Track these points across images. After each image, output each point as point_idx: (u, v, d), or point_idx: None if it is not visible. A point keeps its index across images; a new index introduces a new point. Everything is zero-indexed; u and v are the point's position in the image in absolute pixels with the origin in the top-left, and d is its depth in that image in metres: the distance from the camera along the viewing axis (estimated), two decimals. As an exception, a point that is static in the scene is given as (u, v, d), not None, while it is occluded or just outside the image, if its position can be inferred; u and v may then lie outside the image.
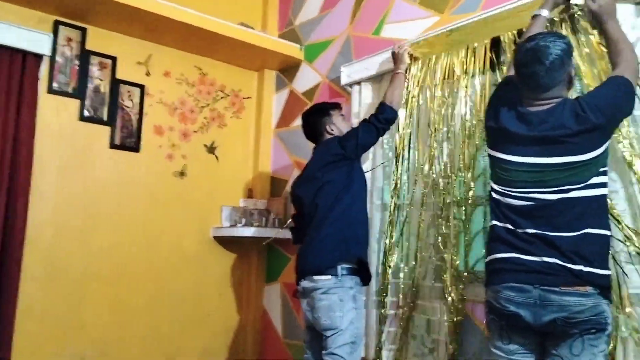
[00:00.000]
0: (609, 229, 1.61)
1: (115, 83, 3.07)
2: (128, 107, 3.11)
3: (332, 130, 2.40)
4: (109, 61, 3.06)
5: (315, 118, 2.45)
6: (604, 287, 1.54)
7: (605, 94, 1.62)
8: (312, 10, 3.42)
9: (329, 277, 2.14)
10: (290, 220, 2.58)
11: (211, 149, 3.42)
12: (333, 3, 3.27)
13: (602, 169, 1.59)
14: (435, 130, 2.41)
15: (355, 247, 2.23)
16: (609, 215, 1.67)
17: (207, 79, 3.44)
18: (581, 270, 1.51)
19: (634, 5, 1.89)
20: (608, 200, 1.65)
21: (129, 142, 3.09)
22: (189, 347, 3.18)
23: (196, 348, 3.21)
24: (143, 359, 3.00)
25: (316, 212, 2.25)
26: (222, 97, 3.50)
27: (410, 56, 2.50)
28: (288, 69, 3.53)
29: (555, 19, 2.01)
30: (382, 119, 2.32)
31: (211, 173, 3.39)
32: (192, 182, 3.31)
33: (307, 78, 3.40)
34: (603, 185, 1.59)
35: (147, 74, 3.20)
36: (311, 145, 2.49)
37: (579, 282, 1.51)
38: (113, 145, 3.03)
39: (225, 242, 3.37)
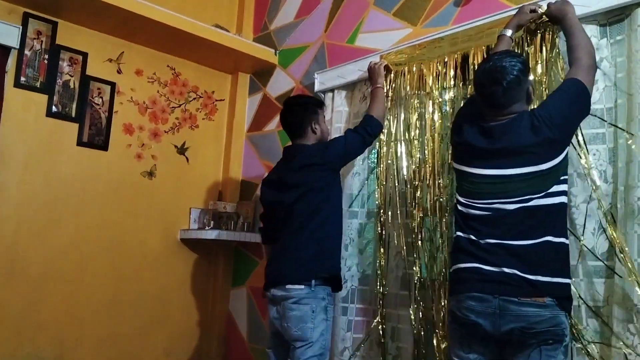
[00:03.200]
0: (567, 237, 1.66)
1: (85, 79, 3.02)
2: (97, 104, 3.06)
3: (316, 129, 2.32)
4: (79, 57, 3.01)
5: (303, 111, 2.33)
6: (563, 297, 1.58)
7: (559, 106, 1.66)
8: (288, 16, 3.44)
9: (302, 287, 2.11)
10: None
11: (182, 150, 3.39)
12: (309, 10, 3.30)
13: (562, 177, 1.65)
14: (405, 141, 2.44)
15: (331, 261, 2.22)
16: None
17: (179, 80, 3.42)
18: (539, 281, 1.55)
19: (598, 27, 1.97)
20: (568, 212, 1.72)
21: (98, 140, 3.05)
22: (149, 349, 3.14)
23: (157, 350, 3.17)
24: (102, 359, 2.95)
25: (293, 219, 2.20)
26: (194, 99, 3.48)
27: (386, 70, 2.52)
28: (262, 73, 3.53)
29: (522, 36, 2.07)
30: (369, 131, 2.29)
31: (181, 174, 3.36)
32: (161, 182, 3.27)
33: (281, 83, 3.41)
34: (563, 193, 1.64)
35: (119, 71, 3.16)
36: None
37: (538, 293, 1.55)
38: (80, 143, 2.98)
39: (193, 244, 3.34)
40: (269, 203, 2.35)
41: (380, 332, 2.39)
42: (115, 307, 3.02)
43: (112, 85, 3.12)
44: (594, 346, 1.80)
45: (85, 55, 3.03)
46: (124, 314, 3.05)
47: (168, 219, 3.27)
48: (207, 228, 3.24)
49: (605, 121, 1.89)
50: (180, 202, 3.33)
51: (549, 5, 1.94)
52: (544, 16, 1.98)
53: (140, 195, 3.18)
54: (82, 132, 2.99)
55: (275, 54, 3.45)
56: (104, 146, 3.06)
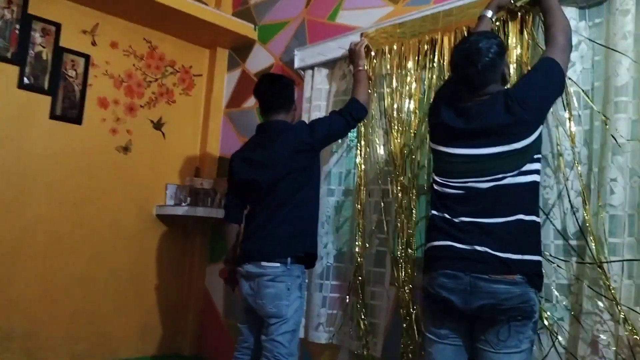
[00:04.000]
0: (539, 215, 1.69)
1: (59, 51, 2.94)
2: (71, 77, 2.99)
3: (294, 109, 2.37)
4: (52, 27, 2.92)
5: (285, 88, 2.33)
6: (533, 274, 1.61)
7: (533, 85, 1.68)
8: (268, -9, 3.38)
9: (278, 264, 2.12)
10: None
11: (158, 125, 3.34)
12: (289, -15, 3.25)
13: (535, 156, 1.67)
14: (384, 120, 2.44)
15: (308, 240, 2.23)
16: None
17: (156, 53, 3.35)
18: (510, 258, 1.58)
19: (578, 9, 1.98)
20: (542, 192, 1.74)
21: (71, 113, 2.98)
22: (124, 325, 3.13)
23: (132, 327, 3.16)
24: (75, 336, 2.94)
25: (272, 197, 2.19)
26: (171, 73, 3.42)
27: (367, 49, 2.51)
28: (241, 49, 3.48)
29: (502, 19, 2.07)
30: (354, 114, 2.29)
31: (157, 150, 3.32)
32: (137, 158, 3.22)
33: (260, 59, 3.36)
34: (536, 172, 1.67)
35: (93, 43, 3.08)
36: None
37: (508, 271, 1.57)
38: (53, 116, 2.91)
39: (169, 220, 3.32)
40: (244, 180, 2.30)
41: (355, 308, 2.41)
42: (89, 284, 2.99)
43: (87, 57, 3.04)
44: (563, 323, 1.85)
45: (58, 26, 2.94)
46: (97, 291, 3.02)
47: (143, 195, 3.23)
48: (183, 204, 3.22)
49: (588, 97, 1.91)
50: (156, 178, 3.29)
51: None
52: None
53: (114, 170, 3.13)
54: (55, 105, 2.92)
55: (255, 30, 3.39)
56: (77, 120, 3.00)
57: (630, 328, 1.68)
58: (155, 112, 3.33)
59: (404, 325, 2.22)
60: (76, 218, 2.97)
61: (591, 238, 1.79)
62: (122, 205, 3.15)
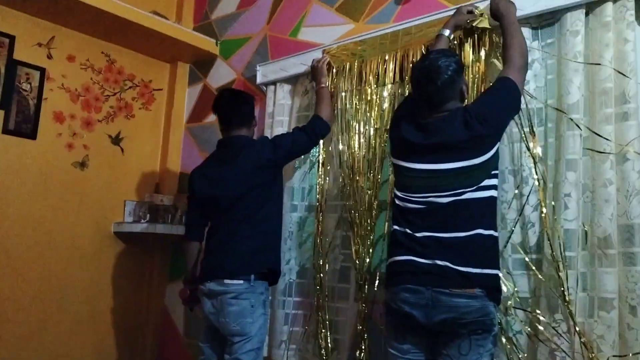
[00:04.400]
0: (497, 230, 1.73)
1: (13, 64, 2.84)
2: (26, 90, 2.89)
3: (255, 124, 2.37)
4: (6, 40, 2.83)
5: (247, 104, 2.33)
6: (492, 288, 1.64)
7: (491, 103, 1.73)
8: (230, 6, 3.37)
9: (241, 281, 2.09)
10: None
11: (116, 140, 3.26)
12: (251, 1, 3.25)
13: (493, 172, 1.71)
14: (345, 136, 2.46)
15: (272, 256, 2.21)
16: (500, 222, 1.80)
17: (114, 67, 3.29)
18: (470, 272, 1.61)
19: (531, 29, 2.05)
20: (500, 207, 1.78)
21: (25, 128, 2.88)
22: (79, 347, 3.00)
23: (87, 348, 3.04)
24: (27, 358, 2.80)
25: (234, 213, 2.17)
26: (130, 87, 3.36)
27: (328, 66, 2.53)
28: (202, 63, 3.45)
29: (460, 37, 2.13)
30: (317, 131, 2.30)
31: (115, 165, 3.24)
32: (94, 174, 3.14)
33: (221, 74, 3.34)
34: (493, 187, 1.71)
35: (49, 56, 3.00)
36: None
37: (468, 284, 1.60)
38: (6, 131, 2.81)
39: (127, 238, 3.23)
40: (205, 197, 2.27)
41: (319, 324, 2.40)
42: (41, 305, 2.87)
43: (42, 70, 2.96)
44: (521, 336, 1.88)
45: (12, 38, 2.85)
46: (50, 312, 2.90)
47: (101, 212, 3.14)
48: (142, 221, 3.14)
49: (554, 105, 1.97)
50: (114, 195, 3.20)
51: (492, 1, 1.99)
52: (480, 17, 2.03)
53: (70, 186, 3.03)
54: (8, 119, 2.81)
55: (216, 45, 3.38)
56: (32, 135, 2.90)
57: (584, 340, 1.72)
58: (114, 127, 3.25)
59: (367, 341, 2.22)
60: (30, 236, 2.85)
61: (548, 252, 1.83)
62: (78, 223, 3.05)
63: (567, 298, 1.76)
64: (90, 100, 3.17)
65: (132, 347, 3.24)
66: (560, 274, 1.78)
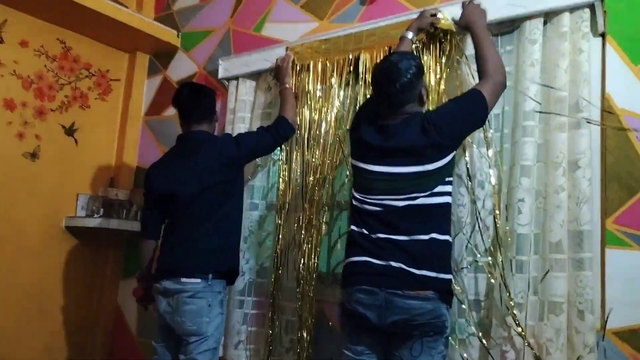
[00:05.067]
0: (451, 235, 1.75)
1: (-41, 48, 2.72)
2: (-27, 76, 2.77)
3: (216, 120, 2.33)
4: (-48, 22, 2.70)
5: (208, 99, 2.28)
6: (445, 291, 1.66)
7: (451, 113, 1.73)
8: (193, -3, 3.31)
9: (198, 280, 2.05)
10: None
11: (70, 131, 3.15)
12: (215, -7, 3.20)
13: (447, 179, 1.72)
14: (306, 136, 2.44)
15: (231, 256, 2.18)
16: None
17: (70, 55, 3.17)
18: (424, 275, 1.62)
19: (491, 36, 2.07)
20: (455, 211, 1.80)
21: (-29, 115, 2.75)
22: (26, 347, 2.89)
23: (35, 347, 2.93)
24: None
25: (193, 211, 2.12)
26: (86, 76, 3.25)
27: (293, 65, 2.50)
28: (163, 55, 3.37)
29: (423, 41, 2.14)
30: (281, 132, 2.27)
31: (68, 157, 3.12)
32: (45, 165, 3.02)
33: (182, 66, 3.27)
34: (448, 194, 1.72)
35: (0, 41, 2.87)
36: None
37: (421, 287, 1.61)
38: (-50, 118, 2.68)
39: (80, 233, 3.12)
40: (163, 193, 2.21)
41: (275, 324, 2.38)
42: (-13, 301, 2.76)
43: (-8, 55, 2.83)
44: (473, 338, 1.91)
45: (-41, 20, 2.72)
46: (-3, 308, 2.79)
47: (52, 206, 3.03)
48: (95, 216, 3.05)
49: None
50: (67, 188, 3.09)
51: (463, 4, 1.99)
52: (442, 21, 2.05)
53: (20, 178, 2.91)
54: (-48, 105, 2.69)
55: (178, 36, 3.30)
56: (-22, 123, 2.78)
57: (534, 343, 1.76)
58: (68, 117, 3.14)
59: (320, 341, 2.22)
60: (-27, 229, 2.73)
61: (500, 256, 1.87)
62: (28, 216, 2.93)
63: (518, 301, 1.80)
64: (44, 89, 3.05)
65: (83, 347, 3.14)
66: (512, 277, 1.82)
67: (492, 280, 1.90)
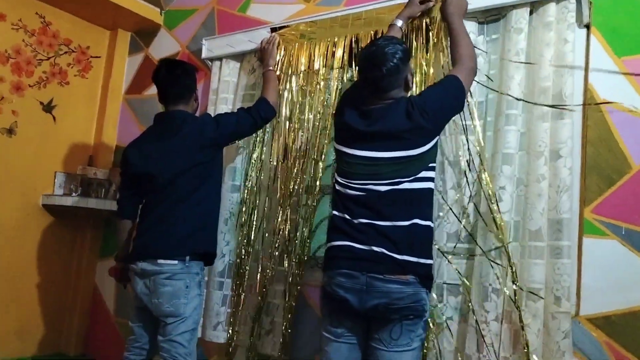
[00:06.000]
0: (432, 221, 1.76)
1: None
2: (-53, 48, 2.68)
3: (195, 99, 2.27)
4: None
5: (188, 77, 2.22)
6: (425, 276, 1.68)
7: (435, 97, 1.75)
8: (177, -25, 3.25)
9: (175, 262, 2.03)
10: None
11: (48, 108, 3.09)
12: (200, -29, 3.14)
13: (430, 164, 1.74)
14: (292, 118, 2.43)
15: (208, 237, 2.16)
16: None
17: (50, 30, 3.09)
18: (405, 260, 1.63)
19: (477, 24, 2.08)
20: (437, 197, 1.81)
21: (-55, 88, 2.67)
22: (0, 328, 2.86)
23: (10, 326, 2.90)
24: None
25: (170, 192, 2.09)
26: (66, 52, 3.18)
27: (278, 47, 2.47)
28: (145, 33, 3.31)
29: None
30: (262, 115, 2.23)
31: (46, 134, 3.06)
32: (22, 142, 2.96)
33: (165, 45, 3.22)
34: (430, 179, 1.73)
35: (-24, 13, 2.79)
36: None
37: (402, 271, 1.63)
38: None
39: (57, 211, 3.08)
40: (140, 173, 2.17)
41: (254, 306, 2.38)
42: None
43: (-33, 28, 2.75)
44: (452, 322, 1.94)
45: None
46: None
47: (29, 183, 2.97)
48: (73, 194, 3.00)
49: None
50: (44, 165, 3.04)
51: None
52: (434, 9, 2.04)
53: (-5, 154, 2.85)
54: None
55: (161, 14, 3.24)
56: (-47, 96, 2.70)
57: (511, 327, 1.80)
58: (46, 94, 3.07)
59: (301, 324, 2.23)
60: (-54, 206, 2.67)
61: (481, 242, 1.89)
62: (4, 194, 2.87)
63: (496, 287, 1.82)
64: (21, 64, 2.97)
65: (59, 326, 3.12)
66: (491, 264, 1.85)
67: (472, 266, 1.92)
